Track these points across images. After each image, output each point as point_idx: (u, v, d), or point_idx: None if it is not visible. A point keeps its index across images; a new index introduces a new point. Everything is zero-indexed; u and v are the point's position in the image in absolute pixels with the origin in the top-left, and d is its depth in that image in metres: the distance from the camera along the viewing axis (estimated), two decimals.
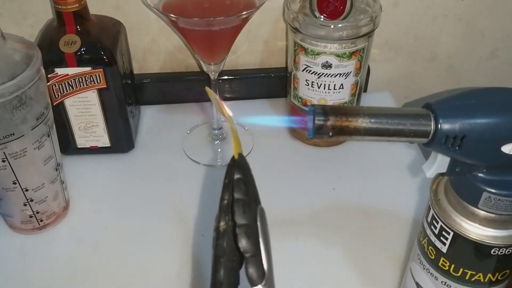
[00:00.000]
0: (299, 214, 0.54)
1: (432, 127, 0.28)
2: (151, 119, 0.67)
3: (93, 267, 0.49)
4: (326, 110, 0.27)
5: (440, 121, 0.28)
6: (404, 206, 0.55)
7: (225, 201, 0.24)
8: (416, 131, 0.28)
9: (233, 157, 0.25)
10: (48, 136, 0.47)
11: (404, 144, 0.63)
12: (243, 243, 0.23)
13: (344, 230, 0.53)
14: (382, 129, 0.28)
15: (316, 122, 0.27)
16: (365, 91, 0.70)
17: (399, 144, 0.63)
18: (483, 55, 0.73)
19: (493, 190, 0.29)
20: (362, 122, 0.27)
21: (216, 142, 0.63)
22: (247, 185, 0.24)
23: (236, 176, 0.24)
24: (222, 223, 0.24)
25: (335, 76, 0.55)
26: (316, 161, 0.61)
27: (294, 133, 0.64)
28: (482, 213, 0.31)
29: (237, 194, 0.24)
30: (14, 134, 0.43)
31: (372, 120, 0.27)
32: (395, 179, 0.58)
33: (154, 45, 0.67)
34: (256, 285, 0.23)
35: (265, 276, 0.23)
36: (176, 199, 0.56)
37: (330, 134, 0.27)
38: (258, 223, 0.23)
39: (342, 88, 0.57)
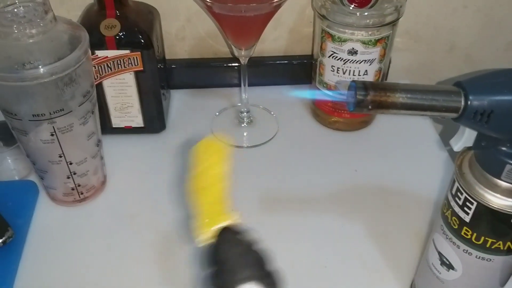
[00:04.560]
0: (322, 193, 0.57)
1: (462, 103, 0.31)
2: (180, 102, 0.70)
3: (129, 238, 0.52)
4: (366, 86, 0.30)
5: (470, 97, 0.30)
6: (424, 187, 0.57)
7: None
8: (448, 107, 0.31)
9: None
10: (92, 113, 0.50)
11: (424, 129, 0.66)
12: None
13: (366, 208, 0.55)
14: (417, 104, 0.30)
15: (357, 96, 0.30)
16: (385, 80, 0.73)
17: (419, 129, 0.66)
18: (500, 46, 0.75)
19: None
20: (399, 97, 0.30)
21: (243, 125, 0.66)
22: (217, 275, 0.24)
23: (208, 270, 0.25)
24: None
25: (360, 63, 0.58)
26: (339, 144, 0.64)
27: (318, 117, 0.67)
28: (504, 184, 0.33)
29: None
30: (63, 110, 0.46)
31: (408, 96, 0.30)
32: (415, 162, 0.61)
33: (184, 31, 0.70)
34: None
35: None
36: None
37: (370, 107, 0.30)
38: None
39: (366, 74, 0.59)
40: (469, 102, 0.30)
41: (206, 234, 0.25)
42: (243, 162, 0.61)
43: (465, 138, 0.33)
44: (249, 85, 0.63)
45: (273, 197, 0.57)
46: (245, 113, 0.65)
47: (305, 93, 0.62)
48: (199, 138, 0.63)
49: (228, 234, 0.25)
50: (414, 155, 0.62)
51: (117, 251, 0.51)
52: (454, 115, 0.31)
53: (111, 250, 0.51)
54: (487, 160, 0.34)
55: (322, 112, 0.65)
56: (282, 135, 0.65)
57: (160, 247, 0.52)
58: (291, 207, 0.56)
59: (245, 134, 0.65)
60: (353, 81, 0.31)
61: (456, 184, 0.36)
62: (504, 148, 0.32)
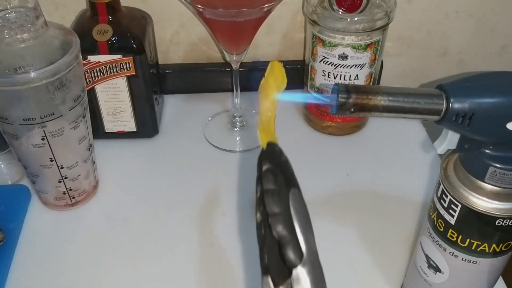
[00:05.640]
0: (315, 197, 0.57)
1: (444, 105, 0.31)
2: (173, 107, 0.70)
3: (121, 242, 0.52)
4: (348, 89, 0.30)
5: (451, 100, 0.31)
6: (413, 191, 0.58)
7: (258, 194, 0.25)
8: (429, 109, 0.31)
9: (262, 148, 0.26)
10: (83, 118, 0.50)
11: (415, 134, 0.66)
12: (276, 231, 0.24)
13: (357, 212, 0.56)
14: (399, 106, 0.31)
15: (339, 99, 0.30)
16: (377, 84, 0.73)
17: (410, 134, 0.66)
18: (493, 51, 0.75)
19: (498, 165, 0.32)
20: (381, 100, 0.30)
21: (236, 129, 0.66)
22: (275, 174, 0.25)
23: (264, 167, 0.25)
24: (258, 215, 0.25)
25: (351, 67, 0.58)
26: (331, 148, 0.64)
27: (310, 122, 0.67)
28: (488, 186, 0.34)
29: (266, 185, 0.25)
30: (54, 114, 0.47)
31: (390, 98, 0.30)
32: (405, 166, 0.61)
33: (178, 37, 0.70)
34: (294, 266, 0.24)
35: (303, 257, 0.24)
36: (198, 181, 0.59)
37: (352, 110, 0.30)
38: (291, 209, 0.25)
39: (357, 79, 0.59)
40: (450, 105, 0.31)
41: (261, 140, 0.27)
42: (236, 166, 0.61)
43: (448, 140, 0.33)
44: (242, 90, 0.64)
45: None
46: (237, 118, 0.65)
47: (297, 98, 0.63)
48: (192, 143, 0.65)
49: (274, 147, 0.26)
50: (405, 159, 0.62)
51: (109, 256, 0.51)
52: (436, 117, 0.31)
53: (103, 254, 0.51)
54: (470, 162, 0.34)
55: (314, 117, 0.66)
56: None
57: (152, 251, 0.52)
58: None
59: (238, 138, 0.66)
60: (336, 84, 0.31)
61: (441, 187, 0.36)
62: (486, 151, 0.33)
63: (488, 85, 0.31)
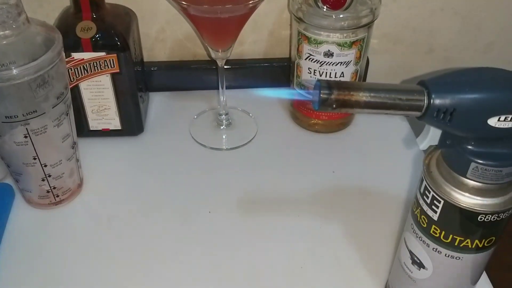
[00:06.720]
0: (301, 194, 0.57)
1: (425, 101, 0.31)
2: (159, 105, 0.70)
3: (106, 241, 0.52)
4: (330, 85, 0.30)
5: (433, 96, 0.31)
6: (398, 188, 0.58)
7: None
8: (411, 105, 0.31)
9: None
10: (67, 115, 0.50)
11: (400, 131, 0.66)
12: None
13: (342, 209, 0.56)
14: (380, 102, 0.31)
15: (321, 95, 0.30)
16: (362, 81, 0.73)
17: (396, 132, 0.66)
18: (478, 48, 0.76)
19: (480, 161, 0.33)
20: (363, 96, 0.30)
21: (222, 127, 0.66)
22: None
23: None
24: None
25: (336, 65, 0.58)
26: (317, 146, 0.64)
27: (297, 120, 0.67)
28: (470, 182, 0.34)
29: None
30: (36, 111, 0.46)
31: (372, 94, 0.30)
32: (391, 163, 0.62)
33: (163, 34, 0.70)
34: None
35: None
36: (184, 179, 0.59)
37: (334, 106, 0.30)
38: None
39: (343, 76, 0.60)
40: (431, 101, 0.31)
41: None
42: (222, 164, 0.61)
43: (430, 136, 0.33)
44: (229, 88, 0.64)
45: (251, 199, 0.57)
46: (223, 116, 0.65)
47: (283, 95, 0.63)
48: (178, 141, 0.64)
49: None
50: (391, 156, 0.63)
51: (94, 254, 0.51)
52: (417, 113, 0.31)
53: (87, 253, 0.51)
54: (452, 158, 0.34)
55: (301, 114, 0.66)
56: (261, 137, 0.65)
57: (138, 250, 0.51)
58: (269, 208, 0.56)
59: (224, 136, 0.66)
60: (318, 80, 0.31)
61: (424, 183, 0.37)
62: (468, 146, 0.33)
63: (469, 80, 0.31)
